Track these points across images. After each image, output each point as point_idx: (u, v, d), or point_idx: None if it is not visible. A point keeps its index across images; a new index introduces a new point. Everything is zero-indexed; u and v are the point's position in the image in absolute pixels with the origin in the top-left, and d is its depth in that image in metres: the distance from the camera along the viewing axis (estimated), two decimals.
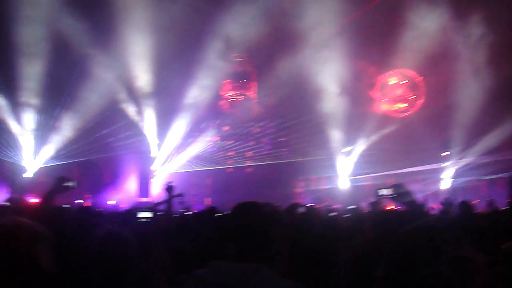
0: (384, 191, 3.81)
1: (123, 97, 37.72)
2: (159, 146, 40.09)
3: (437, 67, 41.88)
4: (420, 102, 47.09)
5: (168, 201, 6.95)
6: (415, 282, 0.91)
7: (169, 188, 5.98)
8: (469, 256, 0.90)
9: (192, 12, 37.34)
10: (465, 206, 6.76)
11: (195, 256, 4.78)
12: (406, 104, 47.70)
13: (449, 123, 39.42)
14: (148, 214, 4.23)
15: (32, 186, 33.54)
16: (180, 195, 25.84)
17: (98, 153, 37.94)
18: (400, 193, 3.78)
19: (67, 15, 33.88)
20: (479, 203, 21.31)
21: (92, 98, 35.97)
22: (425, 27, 38.37)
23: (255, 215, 3.25)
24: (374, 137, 41.63)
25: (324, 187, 46.12)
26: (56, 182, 5.04)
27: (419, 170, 38.97)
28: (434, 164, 40.11)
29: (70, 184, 4.96)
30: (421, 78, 46.67)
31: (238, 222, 3.26)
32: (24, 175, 34.88)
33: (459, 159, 39.81)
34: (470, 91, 37.62)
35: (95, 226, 5.10)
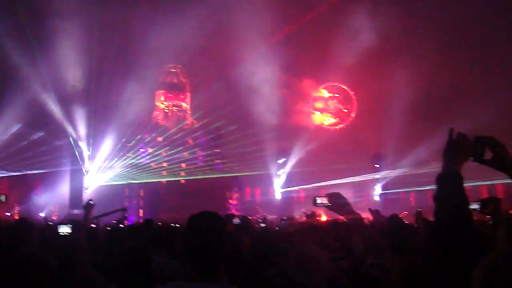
0: (321, 200, 3.64)
1: (54, 107, 37.05)
2: (91, 158, 39.56)
3: (368, 81, 43.16)
4: (352, 115, 48.35)
5: (85, 218, 6.89)
6: (263, 282, 1.15)
7: (86, 206, 6.01)
8: (312, 254, 1.19)
9: (128, 20, 37.42)
10: (395, 219, 7.22)
11: (126, 271, 4.90)
12: (337, 119, 48.83)
13: (380, 136, 40.64)
14: (68, 229, 4.23)
15: None
16: (123, 209, 25.72)
17: (29, 166, 37.20)
18: (336, 202, 3.58)
19: None
20: (407, 215, 22.01)
21: (20, 106, 35.38)
22: (358, 41, 39.65)
23: (216, 229, 3.06)
24: (306, 150, 42.38)
25: (257, 199, 46.79)
26: None
27: (351, 182, 39.78)
28: (365, 176, 41.09)
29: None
30: (353, 92, 47.96)
31: (199, 238, 3.04)
32: None
33: (389, 171, 40.92)
34: (401, 104, 38.89)
35: (23, 239, 5.44)
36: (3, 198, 4.77)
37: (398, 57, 39.57)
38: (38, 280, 3.00)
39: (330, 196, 3.62)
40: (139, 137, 45.53)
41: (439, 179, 2.39)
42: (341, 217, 3.72)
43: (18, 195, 34.64)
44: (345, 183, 37.88)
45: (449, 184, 2.34)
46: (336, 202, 3.55)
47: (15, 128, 36.58)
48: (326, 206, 3.60)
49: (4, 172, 36.66)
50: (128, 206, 39.50)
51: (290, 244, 1.20)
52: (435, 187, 2.35)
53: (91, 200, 5.87)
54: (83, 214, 6.65)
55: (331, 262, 1.16)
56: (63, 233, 4.01)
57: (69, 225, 3.94)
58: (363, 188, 40.99)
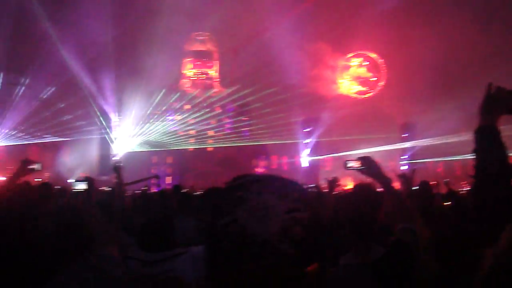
0: (353, 163, 3.65)
1: (84, 77, 37.38)
2: (120, 125, 39.97)
3: (397, 49, 42.62)
4: (380, 84, 47.84)
5: (118, 179, 6.92)
6: (217, 230, 1.17)
7: (116, 168, 6.05)
8: (268, 203, 1.23)
9: None
10: (424, 185, 7.15)
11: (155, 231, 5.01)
12: (365, 87, 48.36)
13: (408, 105, 40.24)
14: (83, 186, 4.33)
15: None
16: (156, 176, 25.94)
17: (58, 133, 37.76)
18: (368, 165, 3.57)
19: None
20: (436, 185, 21.90)
21: (51, 78, 35.97)
22: (387, 8, 39.10)
23: None
24: (333, 119, 42.12)
25: (284, 167, 46.89)
26: (20, 165, 5.05)
27: (378, 151, 39.45)
28: (393, 145, 40.75)
29: (35, 166, 5.06)
30: (382, 60, 47.43)
31: None
32: None
33: (417, 140, 40.48)
34: (430, 72, 38.44)
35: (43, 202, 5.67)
36: (39, 166, 4.81)
37: (428, 23, 39.02)
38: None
39: (362, 159, 3.63)
40: (167, 105, 45.78)
41: (477, 133, 2.39)
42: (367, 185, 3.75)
43: (48, 161, 35.23)
44: (371, 152, 37.65)
45: (487, 137, 2.32)
46: (368, 165, 3.57)
47: (44, 95, 37.10)
48: (357, 169, 3.63)
49: (35, 139, 37.32)
50: (149, 175, 39.99)
51: (247, 192, 1.23)
52: (473, 142, 2.35)
53: (119, 162, 5.96)
54: (115, 177, 6.81)
55: (287, 213, 1.21)
56: (78, 189, 4.11)
57: (84, 182, 4.04)
58: (390, 158, 40.67)
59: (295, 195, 1.32)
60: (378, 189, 3.46)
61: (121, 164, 5.90)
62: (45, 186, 6.38)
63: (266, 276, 1.34)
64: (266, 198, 1.31)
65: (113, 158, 39.17)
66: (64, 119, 37.67)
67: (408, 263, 2.90)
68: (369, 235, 3.10)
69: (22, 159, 4.98)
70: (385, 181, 3.52)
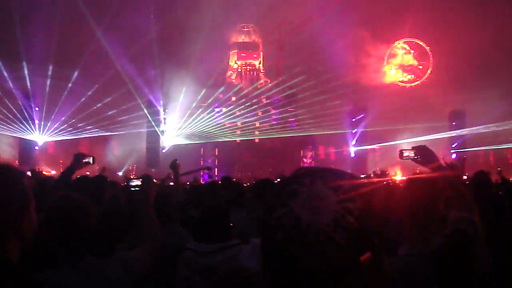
0: (408, 153, 3.69)
1: (131, 71, 37.93)
2: (167, 118, 40.49)
3: (444, 36, 41.97)
4: (428, 71, 47.23)
5: (175, 176, 7.07)
6: (272, 222, 1.21)
7: (173, 166, 6.21)
8: (320, 194, 1.26)
9: None
10: (482, 174, 7.04)
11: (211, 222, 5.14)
12: (413, 75, 47.80)
13: (457, 92, 39.60)
14: (138, 182, 4.47)
15: (42, 158, 34.65)
16: (208, 168, 26.27)
17: (107, 127, 38.52)
18: (424, 155, 3.60)
19: None
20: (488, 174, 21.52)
21: (99, 74, 36.71)
22: None
23: None
24: (381, 108, 41.66)
25: (331, 157, 46.78)
26: (75, 158, 5.26)
27: (427, 140, 38.94)
28: (442, 134, 40.20)
29: (88, 160, 5.27)
30: (429, 47, 46.79)
31: None
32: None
33: (468, 128, 39.82)
34: (479, 58, 37.82)
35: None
36: (91, 160, 5.00)
37: (475, 7, 38.28)
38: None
39: (417, 149, 3.65)
40: (213, 97, 46.16)
41: None
42: (416, 176, 3.73)
43: (97, 155, 35.94)
44: (421, 141, 37.20)
45: None
46: (423, 154, 3.59)
47: (92, 90, 37.81)
48: (413, 159, 3.68)
49: (85, 133, 38.15)
50: (204, 165, 40.40)
51: (300, 185, 1.27)
52: None
53: (176, 160, 6.13)
54: (173, 174, 6.96)
55: (339, 203, 1.25)
56: (134, 187, 4.23)
57: (139, 179, 4.14)
58: (440, 147, 40.05)
59: (346, 186, 1.37)
60: (434, 179, 3.45)
61: (178, 162, 6.04)
62: (101, 178, 6.60)
63: (321, 266, 1.40)
64: (318, 189, 1.36)
65: (162, 151, 39.76)
66: (112, 113, 38.31)
67: (469, 253, 2.90)
68: (429, 226, 3.11)
69: (76, 153, 5.19)
70: (442, 170, 3.51)
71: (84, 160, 5.11)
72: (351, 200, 1.45)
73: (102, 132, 38.65)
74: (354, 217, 1.40)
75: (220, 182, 10.13)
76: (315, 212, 1.42)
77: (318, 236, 1.38)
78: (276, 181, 11.16)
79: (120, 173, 33.97)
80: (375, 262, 1.34)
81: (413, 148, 3.70)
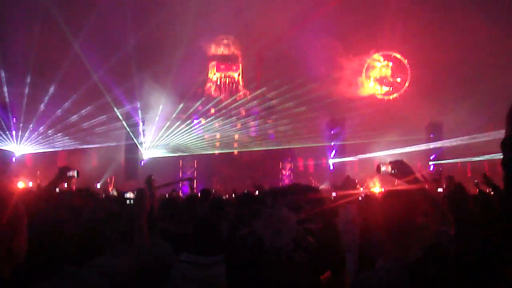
0: (386, 167, 3.73)
1: (108, 83, 37.71)
2: (146, 130, 40.36)
3: (422, 48, 42.35)
4: (406, 84, 47.59)
5: (150, 192, 7.06)
6: (236, 241, 1.23)
7: (148, 181, 6.25)
8: (281, 215, 1.29)
9: None
10: (460, 187, 7.00)
11: (188, 237, 5.13)
12: (390, 88, 48.12)
13: (434, 105, 39.97)
14: (131, 195, 4.45)
15: (19, 170, 34.32)
16: (189, 179, 26.10)
17: (86, 140, 38.32)
18: (401, 169, 3.63)
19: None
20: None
21: (76, 85, 36.60)
22: (410, 7, 39.09)
23: None
24: (360, 120, 41.85)
25: (310, 169, 46.93)
26: (59, 172, 5.27)
27: (404, 152, 39.15)
28: (419, 146, 40.49)
29: (72, 174, 5.28)
30: (407, 60, 47.20)
31: None
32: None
33: (444, 140, 40.12)
34: (456, 71, 38.26)
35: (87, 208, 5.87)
36: (75, 173, 5.02)
37: (454, 21, 38.80)
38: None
39: (394, 164, 3.68)
40: (192, 109, 46.14)
41: (504, 144, 2.21)
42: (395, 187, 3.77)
43: (75, 167, 35.67)
44: (398, 154, 37.41)
45: None
46: (401, 169, 3.62)
47: (70, 100, 37.60)
48: (391, 174, 3.69)
49: (63, 144, 37.90)
50: (183, 177, 40.31)
51: (262, 205, 1.30)
52: (501, 154, 2.20)
53: (152, 175, 6.17)
54: (148, 189, 6.96)
55: (299, 224, 1.29)
56: (128, 199, 4.24)
57: (133, 192, 4.20)
58: (418, 159, 40.30)
59: (308, 207, 1.42)
60: (411, 192, 3.50)
61: (153, 177, 6.10)
62: (86, 192, 6.62)
63: (281, 283, 1.45)
64: (279, 210, 1.41)
65: (141, 163, 39.64)
66: (90, 125, 38.15)
67: (445, 267, 2.93)
68: (406, 239, 3.15)
69: (61, 167, 5.21)
70: (419, 184, 3.53)
71: (68, 174, 5.14)
72: (311, 221, 1.50)
73: (80, 144, 38.43)
74: (314, 237, 1.45)
75: (199, 195, 10.13)
76: (277, 232, 1.47)
77: (279, 256, 1.43)
78: (255, 194, 11.20)
79: (99, 185, 33.86)
80: (335, 280, 1.39)
81: (390, 163, 3.74)
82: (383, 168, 3.75)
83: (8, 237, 2.19)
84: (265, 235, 1.47)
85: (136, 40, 38.13)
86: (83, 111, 37.76)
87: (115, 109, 37.90)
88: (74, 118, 37.86)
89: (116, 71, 37.48)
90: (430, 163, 40.53)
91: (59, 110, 37.54)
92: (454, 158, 39.68)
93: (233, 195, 17.05)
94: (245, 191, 15.08)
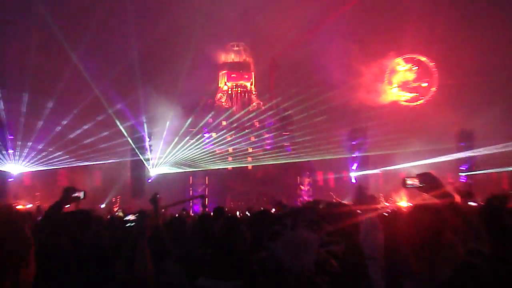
0: (412, 181, 3.71)
1: (113, 97, 37.85)
2: (153, 145, 40.33)
3: (450, 51, 42.14)
4: (433, 89, 47.33)
5: (155, 212, 7.06)
6: (254, 265, 1.22)
7: (153, 200, 6.21)
8: (302, 237, 1.27)
9: None
10: (494, 199, 6.85)
11: (202, 259, 5.07)
12: (416, 94, 47.84)
13: (464, 111, 39.62)
14: (133, 217, 4.43)
15: (17, 190, 34.51)
16: (201, 196, 26.22)
17: (88, 158, 38.35)
18: (429, 182, 3.59)
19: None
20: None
21: (79, 102, 36.79)
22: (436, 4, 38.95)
23: None
24: (384, 130, 41.44)
25: (331, 184, 46.71)
26: (64, 193, 5.20)
27: (433, 163, 38.76)
28: (449, 156, 40.08)
29: (78, 195, 5.22)
30: (433, 63, 46.99)
31: None
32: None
33: (477, 149, 39.67)
34: (489, 74, 37.97)
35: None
36: (82, 194, 4.99)
37: (484, 21, 38.59)
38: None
39: (421, 176, 3.65)
40: (203, 122, 46.15)
41: None
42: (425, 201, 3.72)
43: (78, 185, 35.72)
44: (426, 164, 37.09)
45: None
46: (428, 182, 3.59)
47: (70, 116, 37.76)
48: (418, 188, 3.66)
49: (64, 162, 37.99)
50: (193, 195, 40.32)
51: (282, 227, 1.29)
52: None
53: (157, 193, 6.17)
54: (153, 209, 6.96)
55: (322, 246, 1.28)
56: (129, 222, 4.23)
57: (135, 214, 4.19)
58: (448, 170, 39.92)
59: (329, 228, 1.41)
60: (440, 207, 3.46)
61: (159, 196, 6.09)
62: (85, 214, 6.60)
63: None
64: (299, 232, 1.41)
65: (148, 180, 39.67)
66: (93, 141, 38.22)
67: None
68: (435, 257, 3.10)
69: (66, 187, 5.17)
70: (448, 198, 3.51)
71: (73, 195, 5.10)
72: (334, 243, 1.49)
73: (82, 162, 38.49)
74: (337, 260, 1.44)
75: (212, 214, 10.06)
76: (297, 256, 1.47)
77: (300, 281, 1.42)
78: (273, 211, 11.13)
79: (103, 206, 33.84)
80: None
81: (416, 176, 3.70)
82: (409, 182, 3.75)
83: (14, 268, 2.18)
84: (284, 259, 1.47)
85: (140, 48, 38.29)
86: (85, 126, 37.80)
87: (118, 123, 37.92)
88: (75, 133, 37.94)
89: (119, 83, 37.66)
90: (461, 174, 40.13)
91: (59, 126, 37.66)
92: (488, 168, 39.25)
93: (247, 213, 16.96)
94: (261, 208, 15.09)
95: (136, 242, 4.09)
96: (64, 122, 37.57)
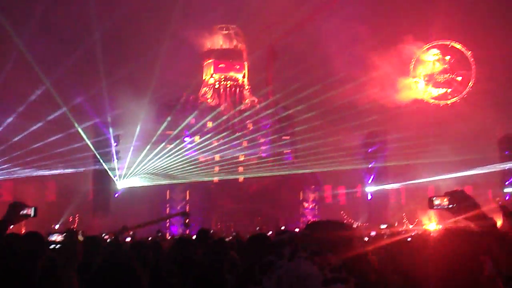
0: (440, 201, 3.65)
1: (68, 91, 37.70)
2: (121, 152, 40.09)
3: (491, 38, 42.22)
4: (470, 84, 47.36)
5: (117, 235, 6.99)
6: None
7: (120, 232, 6.10)
8: (302, 271, 1.17)
9: None
10: None
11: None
12: (448, 89, 47.90)
13: (510, 112, 39.79)
14: (59, 238, 4.32)
15: None
16: (184, 213, 26.28)
17: (40, 167, 38.00)
18: (461, 203, 3.51)
19: None
20: None
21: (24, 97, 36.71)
22: None
23: None
24: (405, 134, 41.22)
25: (341, 200, 46.66)
26: (9, 210, 5.03)
27: (469, 176, 38.85)
28: (490, 167, 40.16)
29: (28, 212, 5.06)
30: (471, 52, 47.04)
31: None
32: None
33: None
34: None
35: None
36: (32, 211, 4.84)
37: None
38: None
39: (451, 195, 3.57)
40: (184, 123, 46.11)
41: None
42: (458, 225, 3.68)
43: (28, 200, 35.55)
44: (462, 178, 37.16)
45: None
46: (461, 202, 3.48)
47: (13, 116, 37.53)
48: (447, 209, 3.58)
49: (5, 172, 37.59)
50: (170, 213, 40.26)
51: (278, 257, 1.19)
52: None
53: (126, 226, 6.04)
54: (114, 238, 6.86)
55: (325, 284, 1.15)
56: (54, 241, 4.09)
57: (62, 233, 4.02)
58: (487, 185, 39.97)
59: (336, 261, 1.25)
60: (477, 232, 3.37)
61: (128, 227, 6.04)
62: (35, 238, 6.43)
63: None
64: (299, 265, 1.24)
65: (115, 195, 39.58)
66: (44, 145, 37.88)
67: None
68: None
69: (12, 203, 5.00)
70: (487, 222, 3.37)
71: (22, 212, 4.99)
72: (341, 280, 1.34)
73: (31, 172, 38.18)
74: None
75: (195, 237, 9.93)
76: None
77: None
78: (271, 235, 10.95)
79: (57, 226, 33.74)
80: None
81: (446, 194, 3.64)
82: (437, 202, 3.67)
83: None
84: None
85: (103, 29, 38.05)
86: (33, 127, 37.31)
87: (76, 124, 37.43)
88: (20, 136, 37.51)
89: (77, 73, 37.44)
90: (506, 190, 40.13)
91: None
92: None
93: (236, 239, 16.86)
94: (257, 230, 14.96)
95: (61, 272, 3.91)
96: (7, 121, 37.19)
